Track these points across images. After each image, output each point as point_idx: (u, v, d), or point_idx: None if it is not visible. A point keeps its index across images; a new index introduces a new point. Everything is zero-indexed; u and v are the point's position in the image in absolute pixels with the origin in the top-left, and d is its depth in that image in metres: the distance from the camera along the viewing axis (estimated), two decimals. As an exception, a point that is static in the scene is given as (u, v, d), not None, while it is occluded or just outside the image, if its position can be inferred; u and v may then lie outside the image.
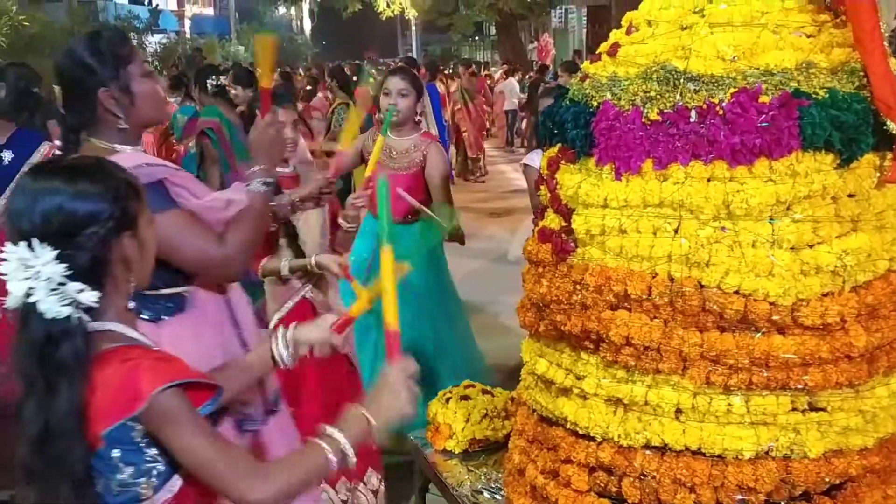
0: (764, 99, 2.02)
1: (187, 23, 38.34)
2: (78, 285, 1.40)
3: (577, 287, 2.17)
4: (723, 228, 2.03)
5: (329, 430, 1.56)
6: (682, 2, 2.27)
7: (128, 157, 2.08)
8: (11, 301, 1.40)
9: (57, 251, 1.39)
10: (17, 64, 4.68)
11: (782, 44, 2.14)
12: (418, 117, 4.05)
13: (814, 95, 2.03)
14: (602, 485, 2.19)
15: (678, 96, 2.09)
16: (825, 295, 2.03)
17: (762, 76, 2.07)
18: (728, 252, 2.02)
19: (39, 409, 1.39)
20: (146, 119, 2.22)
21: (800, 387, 2.03)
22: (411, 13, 26.81)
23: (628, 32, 2.38)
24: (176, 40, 28.19)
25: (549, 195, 2.39)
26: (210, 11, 43.95)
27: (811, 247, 2.03)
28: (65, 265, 1.39)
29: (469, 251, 7.56)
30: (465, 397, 3.10)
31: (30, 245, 1.39)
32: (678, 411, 2.09)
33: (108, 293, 1.47)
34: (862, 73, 2.10)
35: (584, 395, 2.20)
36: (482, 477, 2.79)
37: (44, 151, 3.41)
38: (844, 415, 2.09)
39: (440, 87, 9.87)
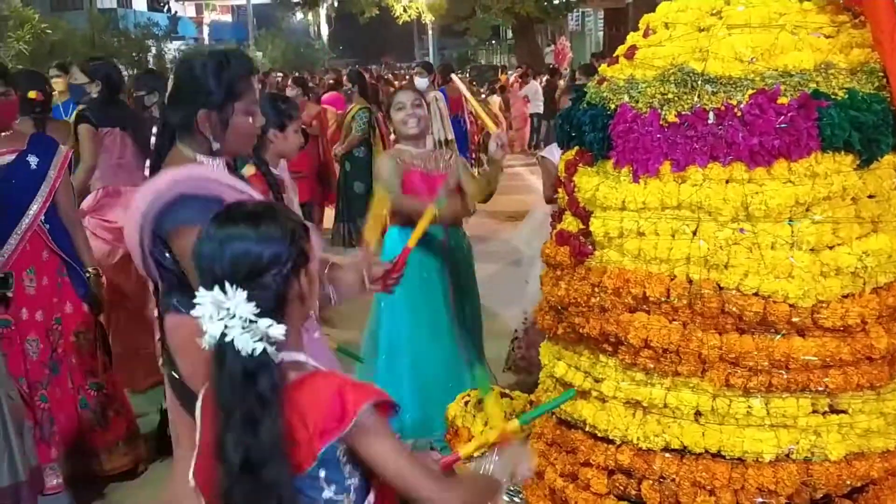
0: (782, 100, 2.01)
1: (206, 29, 38.63)
2: (267, 321, 1.48)
3: (596, 289, 2.17)
4: (742, 230, 2.02)
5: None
6: (700, 4, 2.27)
7: (202, 168, 2.20)
8: (207, 341, 1.49)
9: (246, 292, 1.48)
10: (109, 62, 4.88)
11: (801, 45, 2.13)
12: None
13: (833, 96, 2.02)
14: (621, 487, 2.18)
15: (696, 98, 2.09)
16: (845, 296, 2.02)
17: (780, 77, 2.06)
18: (747, 254, 2.01)
19: (240, 442, 1.47)
20: (233, 150, 2.33)
21: (820, 389, 2.02)
22: (428, 17, 26.85)
23: (645, 35, 2.38)
24: (195, 47, 28.37)
25: (566, 198, 2.39)
26: (228, 18, 44.25)
27: (831, 248, 2.03)
28: (254, 304, 1.48)
29: (485, 255, 7.57)
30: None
31: (223, 288, 1.48)
32: (697, 414, 2.09)
33: (288, 326, 1.54)
34: (881, 74, 2.09)
35: (603, 397, 2.20)
36: (501, 480, 2.79)
37: (63, 154, 3.44)
38: (865, 417, 2.07)
39: (451, 92, 9.86)
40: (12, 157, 3.36)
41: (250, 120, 2.27)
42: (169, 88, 2.54)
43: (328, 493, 1.53)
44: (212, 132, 2.22)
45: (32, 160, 3.39)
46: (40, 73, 4.82)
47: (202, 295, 1.50)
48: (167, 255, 2.17)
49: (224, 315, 1.48)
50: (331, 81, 12.22)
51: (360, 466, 1.56)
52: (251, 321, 1.48)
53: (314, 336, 2.38)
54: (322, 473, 1.51)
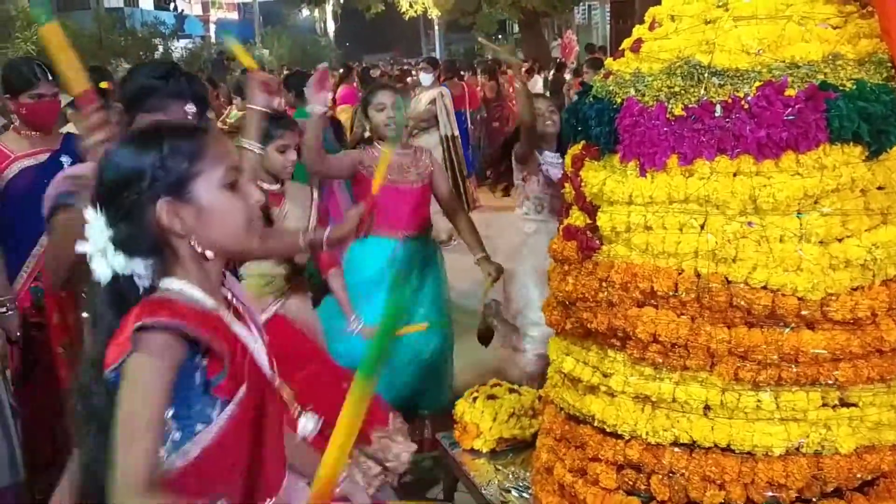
0: (790, 92, 2.00)
1: (212, 27, 38.67)
2: (115, 253, 1.44)
3: (603, 284, 2.16)
4: (750, 223, 2.01)
5: None
6: (706, -4, 2.26)
7: None
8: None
9: (106, 216, 1.45)
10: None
11: (808, 36, 2.12)
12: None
13: (841, 87, 2.00)
14: (630, 482, 2.18)
15: (703, 91, 2.08)
16: (855, 289, 2.00)
17: (788, 69, 2.05)
18: (755, 247, 2.00)
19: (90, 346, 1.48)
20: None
21: (830, 382, 2.01)
22: (434, 13, 26.81)
23: (651, 28, 2.37)
24: (201, 45, 28.43)
25: (573, 192, 2.38)
26: (234, 16, 44.28)
27: (840, 240, 2.01)
28: (111, 230, 1.44)
29: (492, 250, 7.54)
30: (493, 396, 3.10)
31: (94, 207, 1.46)
32: (706, 408, 2.08)
33: (167, 255, 1.49)
34: (890, 64, 2.07)
35: (612, 392, 2.20)
36: (510, 475, 2.80)
37: None
38: (876, 410, 2.06)
39: (457, 88, 9.82)
40: (45, 157, 3.37)
41: None
42: None
43: None
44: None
45: (65, 160, 3.39)
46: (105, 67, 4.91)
47: (87, 209, 1.47)
48: None
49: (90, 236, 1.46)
50: (340, 71, 12.18)
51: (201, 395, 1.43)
52: (105, 248, 1.44)
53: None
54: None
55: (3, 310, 3.23)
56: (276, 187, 3.34)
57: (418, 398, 3.79)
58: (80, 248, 1.46)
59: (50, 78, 3.39)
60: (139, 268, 1.46)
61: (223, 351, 1.45)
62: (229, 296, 1.63)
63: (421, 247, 3.96)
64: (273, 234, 2.84)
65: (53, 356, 3.17)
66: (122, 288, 1.45)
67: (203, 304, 1.48)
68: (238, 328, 1.55)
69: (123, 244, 1.44)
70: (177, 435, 1.44)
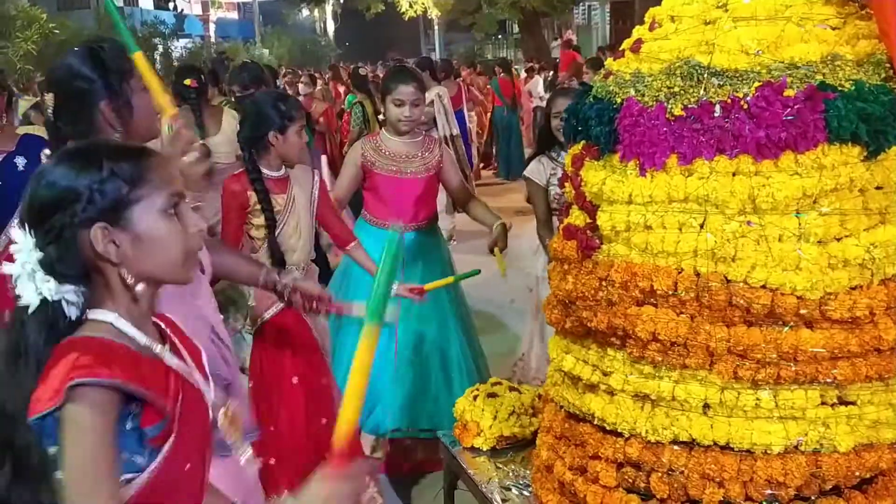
0: (789, 92, 2.01)
1: (212, 27, 38.68)
2: (43, 277, 1.36)
3: (603, 283, 2.17)
4: (749, 223, 2.02)
5: None
6: (705, -4, 2.27)
7: None
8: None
9: (35, 237, 1.36)
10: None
11: (807, 36, 2.13)
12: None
13: (840, 88, 2.01)
14: (630, 480, 2.19)
15: (702, 91, 2.09)
16: (853, 288, 2.02)
17: (787, 69, 2.06)
18: (754, 246, 2.02)
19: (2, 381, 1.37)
20: (143, 133, 2.17)
21: (829, 381, 2.03)
22: (434, 13, 26.84)
23: (651, 28, 2.38)
24: (201, 44, 28.45)
25: (573, 192, 2.40)
26: (234, 15, 44.28)
27: (839, 240, 2.02)
28: (39, 252, 1.36)
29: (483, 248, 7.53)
30: (493, 394, 3.11)
31: (22, 226, 1.38)
32: (706, 406, 2.09)
33: (97, 284, 1.40)
34: (888, 65, 2.08)
35: (612, 390, 2.21)
36: (510, 473, 2.80)
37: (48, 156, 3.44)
38: (874, 408, 2.07)
39: (454, 88, 9.81)
40: (0, 157, 3.34)
41: (147, 96, 2.16)
42: (50, 104, 2.44)
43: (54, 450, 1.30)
44: (118, 119, 2.10)
45: (20, 161, 3.36)
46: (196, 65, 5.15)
47: (15, 229, 1.39)
48: None
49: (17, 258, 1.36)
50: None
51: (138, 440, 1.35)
52: (33, 270, 1.35)
53: (196, 303, 2.26)
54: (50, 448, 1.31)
55: None
56: (279, 173, 3.26)
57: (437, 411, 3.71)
58: (6, 269, 1.38)
59: None
60: (69, 294, 1.38)
61: (163, 405, 1.38)
62: (163, 325, 1.54)
63: (426, 239, 3.93)
64: (235, 261, 2.81)
65: None
66: (49, 315, 1.37)
67: (136, 342, 1.41)
68: (174, 362, 1.48)
69: (53, 268, 1.36)
70: None
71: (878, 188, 2.06)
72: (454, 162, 3.96)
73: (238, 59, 23.38)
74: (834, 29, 2.16)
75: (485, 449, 2.96)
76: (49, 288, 1.36)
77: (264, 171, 3.22)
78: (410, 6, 25.70)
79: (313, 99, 8.60)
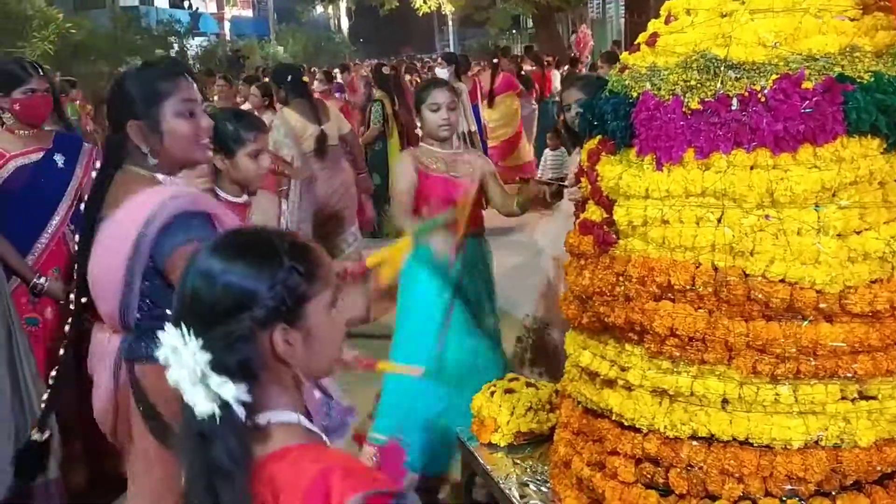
0: (807, 85, 2.00)
1: (227, 25, 38.79)
2: (220, 379, 1.24)
3: (620, 278, 2.16)
4: (767, 217, 2.01)
5: None
6: (722, -11, 2.25)
7: (165, 189, 2.07)
8: (172, 382, 1.28)
9: (202, 340, 1.25)
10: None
11: (825, 28, 2.11)
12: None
13: (858, 80, 2.00)
14: (649, 476, 2.18)
15: (719, 84, 2.07)
16: (874, 282, 2.00)
17: (805, 62, 2.04)
18: (773, 240, 2.00)
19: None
20: (178, 160, 2.13)
21: (849, 375, 2.01)
22: (448, 8, 26.80)
23: (667, 22, 2.37)
24: (216, 43, 28.56)
25: (589, 187, 2.39)
26: (249, 13, 44.39)
27: (858, 233, 2.01)
28: (208, 356, 1.25)
29: (507, 246, 7.53)
30: (510, 390, 3.11)
31: (181, 330, 1.26)
32: (724, 401, 2.08)
33: (265, 383, 1.30)
34: (908, 56, 2.07)
35: (630, 386, 2.20)
36: (528, 469, 2.80)
37: (87, 152, 3.46)
38: (895, 403, 2.06)
39: (468, 83, 9.82)
40: (39, 155, 3.39)
41: (186, 121, 2.08)
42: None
43: None
44: (146, 143, 2.08)
45: (59, 159, 3.41)
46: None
47: (166, 331, 1.28)
48: (158, 285, 1.98)
49: (178, 361, 1.25)
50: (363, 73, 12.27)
51: None
52: (204, 375, 1.24)
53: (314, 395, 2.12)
54: None
55: (43, 280, 3.29)
56: (242, 199, 2.97)
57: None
58: (172, 376, 1.26)
59: (41, 73, 3.42)
60: (243, 395, 1.26)
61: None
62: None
63: (473, 249, 3.82)
64: None
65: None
66: (237, 419, 1.25)
67: (318, 436, 1.37)
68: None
69: (225, 370, 1.25)
70: None
71: (898, 181, 2.04)
72: (496, 176, 3.87)
73: (253, 58, 23.51)
74: (852, 20, 2.14)
75: (502, 445, 2.96)
76: (229, 390, 1.24)
77: (221, 193, 2.92)
78: (424, 2, 25.67)
79: (329, 97, 8.63)
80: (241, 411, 1.26)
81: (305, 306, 1.32)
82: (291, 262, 1.31)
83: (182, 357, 1.25)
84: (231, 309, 1.27)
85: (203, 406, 1.24)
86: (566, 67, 15.06)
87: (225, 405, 1.24)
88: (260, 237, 1.38)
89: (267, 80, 7.81)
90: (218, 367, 1.24)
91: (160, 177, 2.12)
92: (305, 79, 5.49)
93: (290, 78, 5.74)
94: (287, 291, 1.29)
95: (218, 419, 1.24)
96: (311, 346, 1.33)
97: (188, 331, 1.25)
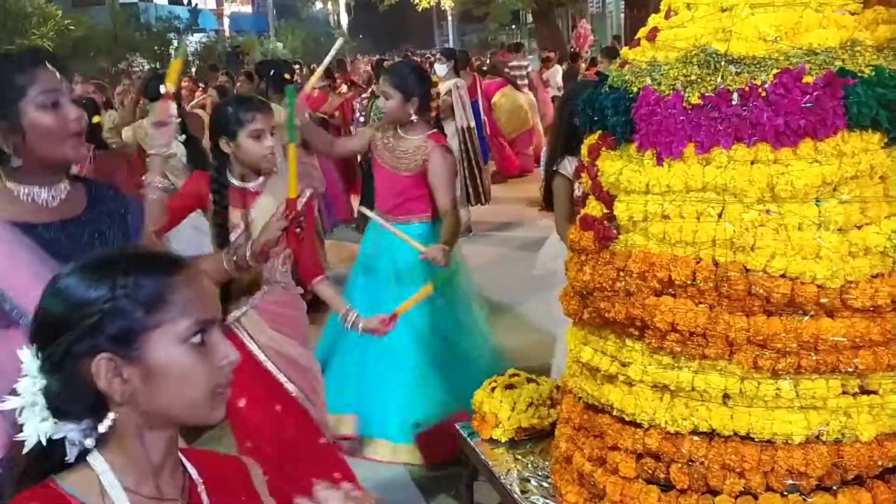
0: (808, 79, 1.99)
1: (226, 21, 38.75)
2: (43, 410, 1.13)
3: (621, 274, 2.16)
4: (768, 211, 2.01)
5: None
6: (722, -17, 2.25)
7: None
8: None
9: (41, 361, 1.14)
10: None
11: (826, 22, 2.10)
12: (414, 117, 3.78)
13: (859, 74, 1.99)
14: (650, 471, 2.19)
15: (719, 79, 2.07)
16: (875, 276, 2.00)
17: (805, 56, 2.04)
18: (773, 235, 2.00)
19: None
20: (46, 157, 1.88)
21: (850, 370, 2.01)
22: (447, 4, 26.78)
23: (667, 16, 2.36)
24: (216, 39, 28.52)
25: (590, 182, 2.38)
26: (248, 9, 44.33)
27: (859, 228, 2.01)
28: (42, 378, 1.13)
29: (505, 241, 7.53)
30: (511, 386, 3.11)
31: (31, 343, 1.16)
32: (725, 396, 2.08)
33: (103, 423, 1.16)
34: (909, 50, 2.06)
35: (630, 381, 2.20)
36: (529, 465, 2.80)
37: None
38: (896, 397, 2.06)
39: (468, 79, 9.79)
40: None
41: (49, 114, 1.86)
42: None
43: None
44: (7, 144, 1.86)
45: None
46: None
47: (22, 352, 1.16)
48: None
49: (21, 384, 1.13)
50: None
51: None
52: (34, 402, 1.12)
53: None
54: None
55: None
56: (254, 184, 3.00)
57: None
58: (8, 404, 1.15)
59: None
60: (72, 434, 1.14)
61: None
62: (188, 465, 1.29)
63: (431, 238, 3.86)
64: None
65: None
66: (43, 456, 1.14)
67: None
68: None
69: (54, 401, 1.13)
70: None
71: (899, 175, 2.04)
72: (440, 168, 3.79)
73: (253, 54, 23.47)
74: (853, 14, 2.14)
75: (503, 440, 2.96)
76: (44, 429, 1.12)
77: (231, 180, 2.98)
78: (424, -3, 25.64)
79: (328, 92, 8.62)
80: (72, 450, 1.14)
81: (144, 337, 1.14)
82: (125, 285, 1.13)
83: (24, 379, 1.14)
84: (56, 326, 1.13)
85: (26, 432, 1.13)
86: (566, 62, 15.04)
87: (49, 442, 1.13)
88: (111, 253, 1.23)
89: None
90: (48, 395, 1.13)
91: (11, 185, 1.89)
92: (287, 76, 5.77)
93: (272, 72, 6.19)
94: (113, 316, 1.12)
95: (25, 450, 1.13)
96: (155, 385, 1.15)
97: (34, 348, 1.15)
